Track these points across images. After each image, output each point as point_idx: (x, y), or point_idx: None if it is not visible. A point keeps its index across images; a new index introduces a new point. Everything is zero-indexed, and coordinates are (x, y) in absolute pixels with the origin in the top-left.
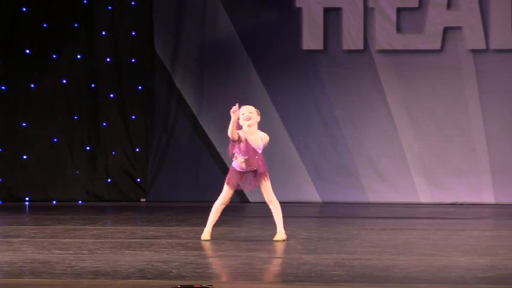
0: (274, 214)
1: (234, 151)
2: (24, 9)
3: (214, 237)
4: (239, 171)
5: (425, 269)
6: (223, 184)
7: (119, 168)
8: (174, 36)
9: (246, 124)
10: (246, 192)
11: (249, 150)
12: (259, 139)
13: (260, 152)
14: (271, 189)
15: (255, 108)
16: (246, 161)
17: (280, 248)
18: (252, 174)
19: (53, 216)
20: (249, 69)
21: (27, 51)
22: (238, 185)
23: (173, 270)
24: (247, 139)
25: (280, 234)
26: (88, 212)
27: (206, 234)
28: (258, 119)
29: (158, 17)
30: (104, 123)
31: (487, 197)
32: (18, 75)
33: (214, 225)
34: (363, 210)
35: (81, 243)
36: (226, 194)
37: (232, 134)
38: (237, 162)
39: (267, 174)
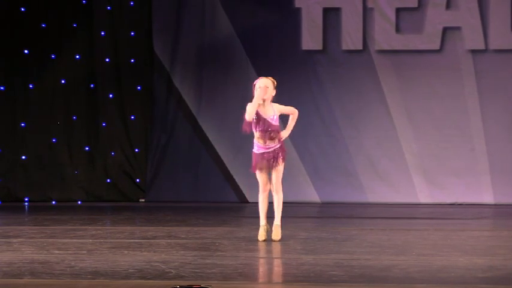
0: (276, 205)
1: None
2: (22, 9)
3: (213, 237)
4: (258, 154)
5: (425, 269)
6: (222, 184)
7: (118, 168)
8: (173, 37)
9: (262, 98)
10: (245, 192)
11: (260, 121)
12: (271, 110)
13: (275, 124)
14: (281, 177)
15: (272, 79)
16: (261, 135)
17: (279, 248)
18: (272, 154)
19: (52, 216)
20: (248, 69)
21: (26, 51)
22: (268, 165)
23: (172, 271)
24: (259, 111)
25: (276, 229)
26: (87, 212)
27: (262, 230)
28: (274, 92)
29: (157, 17)
30: (103, 123)
31: (486, 197)
32: (17, 75)
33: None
34: (362, 211)
35: (80, 244)
36: (260, 180)
37: (250, 115)
38: (255, 143)
39: (285, 155)
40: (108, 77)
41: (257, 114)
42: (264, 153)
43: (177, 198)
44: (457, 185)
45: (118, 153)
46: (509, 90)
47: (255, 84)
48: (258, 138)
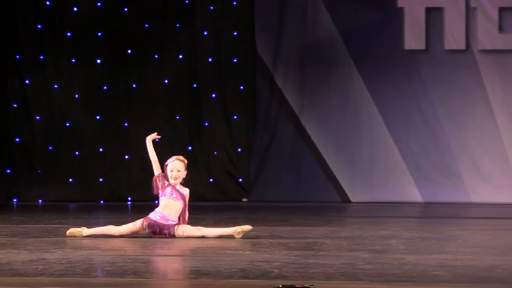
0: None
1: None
2: (125, 9)
3: (316, 236)
4: (154, 220)
5: None
6: (325, 184)
7: (220, 168)
8: (276, 36)
9: (173, 183)
10: (348, 192)
11: (173, 193)
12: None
13: (183, 202)
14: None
15: (183, 159)
16: (167, 205)
17: (381, 248)
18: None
19: None
20: (350, 69)
21: (129, 51)
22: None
23: (275, 270)
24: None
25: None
26: (189, 211)
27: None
28: (184, 174)
29: (260, 17)
30: (206, 123)
31: None
32: (120, 75)
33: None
34: (465, 211)
35: (183, 243)
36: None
37: (157, 190)
38: (155, 213)
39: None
40: (211, 77)
41: (173, 187)
42: (159, 223)
43: (279, 198)
44: None
45: (221, 153)
46: None
47: (167, 165)
48: (163, 207)
